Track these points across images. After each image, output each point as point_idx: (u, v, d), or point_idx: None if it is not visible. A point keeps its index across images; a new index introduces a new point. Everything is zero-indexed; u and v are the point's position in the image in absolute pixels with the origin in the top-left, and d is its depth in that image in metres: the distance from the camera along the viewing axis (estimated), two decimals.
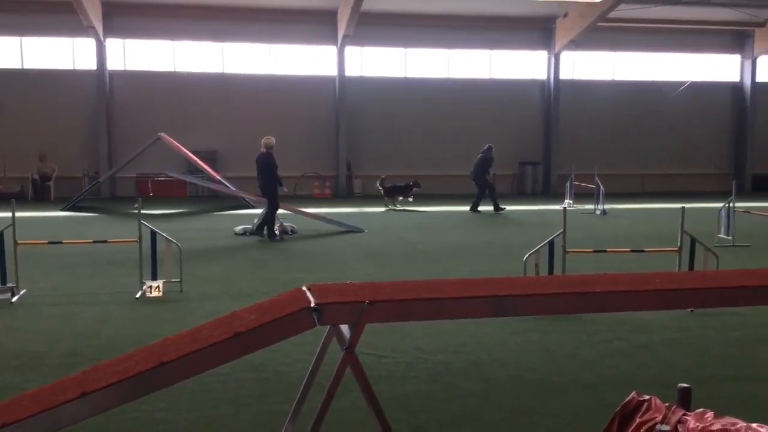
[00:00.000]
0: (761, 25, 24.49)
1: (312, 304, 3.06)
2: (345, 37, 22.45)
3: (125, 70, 22.92)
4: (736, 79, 26.11)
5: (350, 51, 23.55)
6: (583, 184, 19.61)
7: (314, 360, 3.38)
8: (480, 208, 18.47)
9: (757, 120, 25.79)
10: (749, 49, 25.44)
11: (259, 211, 14.74)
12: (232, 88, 23.10)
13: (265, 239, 13.13)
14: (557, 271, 7.97)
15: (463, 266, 10.49)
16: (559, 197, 20.86)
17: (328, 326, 3.32)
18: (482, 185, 18.81)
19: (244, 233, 13.74)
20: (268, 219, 13.23)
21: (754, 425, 3.34)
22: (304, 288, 3.34)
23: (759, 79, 25.80)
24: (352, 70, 23.77)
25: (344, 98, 23.38)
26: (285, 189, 13.49)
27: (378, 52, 24.06)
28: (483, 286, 3.49)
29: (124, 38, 22.75)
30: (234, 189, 16.49)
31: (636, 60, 25.45)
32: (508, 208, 19.26)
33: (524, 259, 8.01)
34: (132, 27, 22.47)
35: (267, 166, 13.07)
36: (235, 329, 2.97)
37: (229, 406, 5.01)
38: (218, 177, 17.00)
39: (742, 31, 25.20)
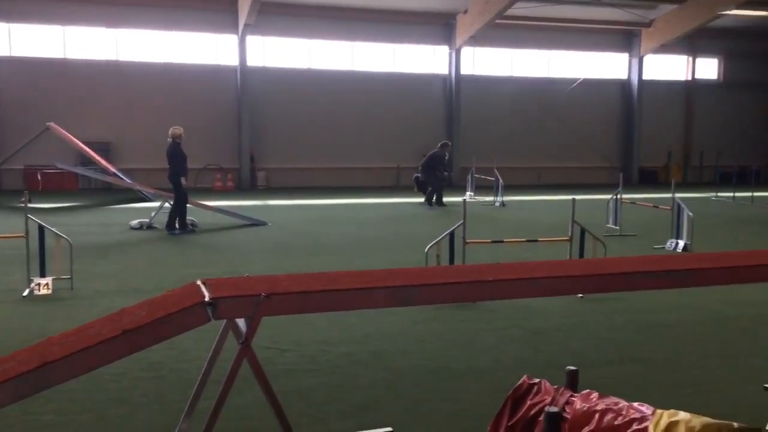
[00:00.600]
0: (648, 25, 25.90)
1: (206, 299, 3.00)
2: (246, 26, 22.02)
3: (11, 57, 21.57)
4: (625, 76, 27.49)
5: (252, 40, 23.14)
6: (483, 177, 20.14)
7: (210, 355, 3.32)
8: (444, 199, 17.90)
9: (644, 116, 27.28)
10: (636, 48, 26.84)
11: (156, 204, 14.28)
12: (127, 76, 22.21)
13: (177, 234, 12.71)
14: (458, 261, 8.17)
15: (367, 258, 10.56)
16: (461, 189, 21.34)
17: (225, 321, 3.28)
18: (433, 181, 17.93)
19: (140, 227, 13.27)
20: (173, 211, 12.87)
21: (635, 404, 3.56)
22: (198, 282, 3.27)
23: (645, 76, 27.27)
24: (254, 61, 23.36)
25: (246, 89, 22.96)
26: (184, 181, 13.09)
27: (281, 42, 23.75)
28: (380, 278, 3.53)
29: (9, 23, 21.41)
30: (129, 181, 15.87)
31: (533, 57, 26.33)
32: (414, 200, 19.54)
33: (426, 250, 8.16)
34: (18, 10, 21.17)
35: (171, 156, 12.79)
36: (123, 326, 2.88)
37: (123, 406, 4.83)
38: (113, 169, 16.30)
39: (630, 31, 26.55)
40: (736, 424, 3.27)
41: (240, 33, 22.56)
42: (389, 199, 19.75)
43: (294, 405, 4.89)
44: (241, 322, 3.23)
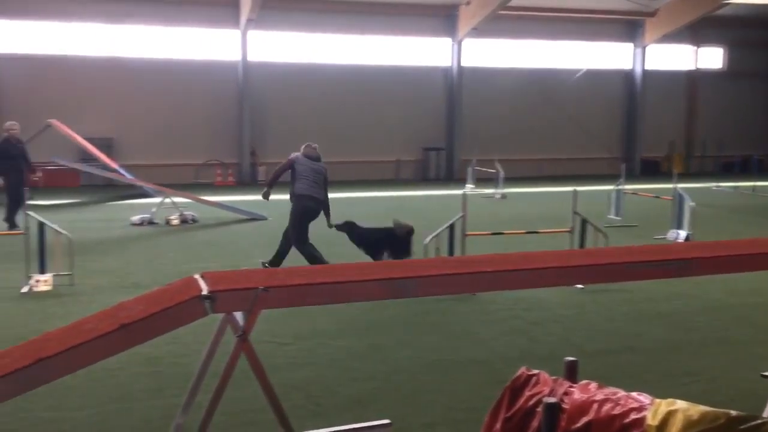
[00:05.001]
0: (652, 14, 25.75)
1: (204, 292, 2.99)
2: (249, 21, 21.96)
3: (12, 54, 21.46)
4: (628, 66, 27.36)
5: (251, 35, 23.06)
6: (484, 169, 20.08)
7: (207, 349, 3.31)
8: None
9: (646, 106, 27.17)
10: (640, 38, 26.70)
11: (157, 200, 14.29)
12: (129, 72, 22.14)
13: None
14: (457, 253, 8.16)
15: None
16: (462, 182, 21.29)
17: (223, 314, 3.27)
18: None
19: (141, 223, 13.27)
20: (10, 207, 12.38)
21: (634, 394, 3.54)
22: (196, 276, 3.26)
23: (648, 66, 27.14)
24: (259, 56, 23.27)
25: (249, 83, 22.91)
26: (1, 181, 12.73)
27: (280, 36, 23.66)
28: (378, 270, 3.52)
29: (9, 19, 21.34)
30: (131, 177, 15.88)
31: (535, 48, 26.20)
32: (413, 193, 19.55)
33: (425, 243, 8.15)
34: (16, 8, 21.07)
35: None
36: (120, 321, 2.86)
37: (121, 402, 4.84)
38: (114, 165, 16.30)
39: (634, 21, 26.41)
40: (733, 413, 3.25)
41: (242, 27, 22.50)
42: (389, 192, 19.69)
43: (292, 397, 4.89)
44: (239, 316, 3.22)
